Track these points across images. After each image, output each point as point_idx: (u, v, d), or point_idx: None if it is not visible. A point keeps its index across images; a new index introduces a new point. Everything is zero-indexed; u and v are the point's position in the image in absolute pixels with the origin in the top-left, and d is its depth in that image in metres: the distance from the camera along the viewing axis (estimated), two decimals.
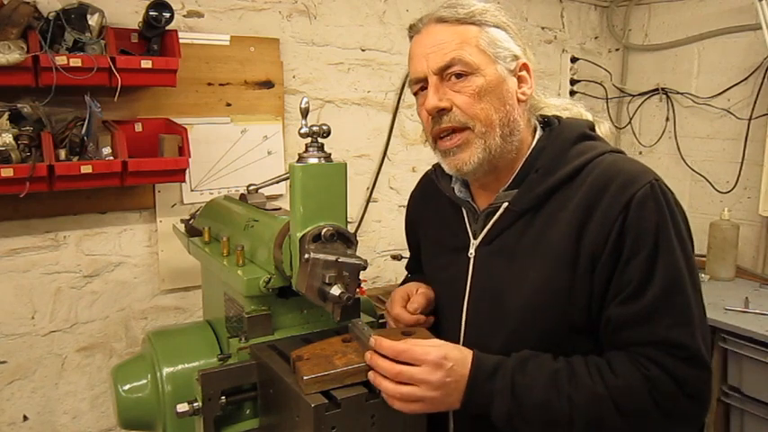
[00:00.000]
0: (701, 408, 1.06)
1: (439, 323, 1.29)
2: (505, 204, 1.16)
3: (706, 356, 1.04)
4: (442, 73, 1.11)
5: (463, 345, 1.19)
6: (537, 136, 1.19)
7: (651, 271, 1.03)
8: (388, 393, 1.02)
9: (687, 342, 1.02)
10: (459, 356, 1.05)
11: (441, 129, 1.13)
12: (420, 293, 1.28)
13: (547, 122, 1.21)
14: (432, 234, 1.35)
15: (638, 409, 1.02)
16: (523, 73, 1.16)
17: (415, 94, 1.18)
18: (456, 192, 1.25)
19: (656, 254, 1.03)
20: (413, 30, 1.17)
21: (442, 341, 1.09)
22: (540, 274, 1.09)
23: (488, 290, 1.17)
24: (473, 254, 1.20)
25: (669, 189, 1.09)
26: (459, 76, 1.10)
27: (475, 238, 1.21)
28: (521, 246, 1.13)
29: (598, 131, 1.22)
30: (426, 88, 1.13)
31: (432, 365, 1.02)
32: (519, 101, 1.15)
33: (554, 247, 1.09)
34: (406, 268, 1.53)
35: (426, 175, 1.41)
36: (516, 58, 1.14)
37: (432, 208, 1.35)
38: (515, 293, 1.12)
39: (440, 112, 1.12)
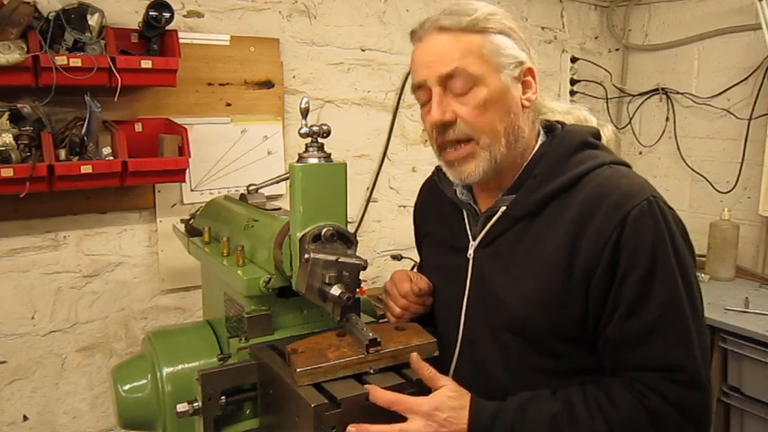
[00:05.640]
0: (703, 430, 1.05)
1: (437, 321, 1.30)
2: (503, 208, 1.15)
3: (705, 378, 1.03)
4: (445, 83, 1.09)
5: (460, 344, 1.21)
6: (539, 141, 1.18)
7: (647, 290, 1.02)
8: None
9: (686, 364, 1.02)
10: (454, 405, 1.05)
11: (445, 140, 1.12)
12: (421, 277, 1.30)
13: (550, 128, 1.20)
14: (433, 234, 1.36)
15: None
16: (528, 78, 1.13)
17: (417, 98, 1.16)
18: (458, 194, 1.25)
19: (653, 273, 1.02)
20: (414, 36, 1.14)
21: (446, 384, 1.08)
22: (532, 281, 1.09)
23: (485, 291, 1.17)
24: (472, 255, 1.21)
25: (668, 206, 1.08)
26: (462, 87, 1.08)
27: (474, 240, 1.21)
28: (516, 251, 1.13)
29: (602, 136, 1.21)
30: (429, 96, 1.11)
31: (424, 416, 1.02)
32: (523, 107, 1.13)
33: (548, 256, 1.08)
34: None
35: (427, 181, 1.42)
36: (521, 63, 1.11)
37: (434, 209, 1.35)
38: (509, 298, 1.12)
39: (444, 125, 1.10)
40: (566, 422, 1.03)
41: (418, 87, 1.13)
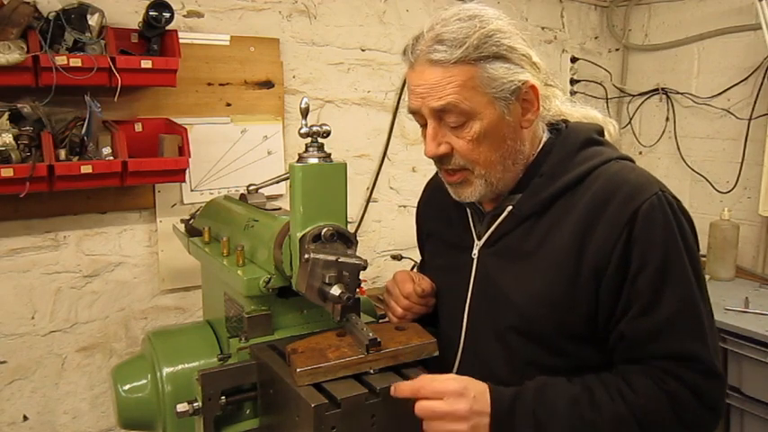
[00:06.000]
0: (717, 417, 1.06)
1: (440, 321, 1.30)
2: (509, 208, 1.15)
3: (719, 367, 1.04)
4: (439, 115, 1.07)
5: (463, 343, 1.21)
6: (544, 139, 1.17)
7: (662, 285, 1.03)
8: None
9: (701, 354, 1.03)
10: (479, 388, 1.04)
11: (441, 169, 1.14)
12: (424, 277, 1.29)
13: (554, 126, 1.19)
14: (437, 233, 1.35)
15: (660, 425, 1.02)
16: (529, 97, 1.08)
17: (415, 119, 1.14)
18: None
19: (666, 269, 1.03)
20: (405, 58, 1.10)
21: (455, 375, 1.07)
22: (539, 280, 1.09)
23: (489, 290, 1.17)
24: (476, 254, 1.20)
25: (676, 198, 1.08)
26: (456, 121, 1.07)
27: (479, 239, 1.21)
28: (523, 250, 1.13)
29: (606, 134, 1.21)
30: (426, 120, 1.10)
31: (454, 395, 1.01)
32: (522, 127, 1.11)
33: (555, 255, 1.08)
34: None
35: (430, 180, 1.42)
36: (519, 88, 1.06)
37: (437, 208, 1.35)
38: (515, 297, 1.12)
39: (440, 157, 1.11)
40: (587, 405, 1.02)
41: (414, 112, 1.12)
